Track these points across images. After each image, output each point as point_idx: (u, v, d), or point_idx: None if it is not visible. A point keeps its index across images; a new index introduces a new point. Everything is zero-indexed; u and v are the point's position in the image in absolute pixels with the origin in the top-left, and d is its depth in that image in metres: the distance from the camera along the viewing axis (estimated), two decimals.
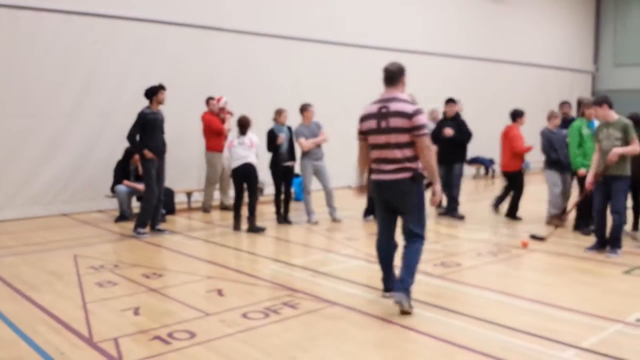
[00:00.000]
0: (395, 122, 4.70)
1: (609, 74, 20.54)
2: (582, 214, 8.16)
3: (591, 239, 7.45)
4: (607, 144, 6.76)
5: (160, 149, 8.10)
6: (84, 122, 10.03)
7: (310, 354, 4.02)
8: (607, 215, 6.94)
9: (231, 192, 9.77)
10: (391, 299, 4.91)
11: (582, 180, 7.82)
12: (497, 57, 17.32)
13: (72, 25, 9.84)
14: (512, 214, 9.33)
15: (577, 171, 7.91)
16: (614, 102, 6.89)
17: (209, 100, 10.25)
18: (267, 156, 8.98)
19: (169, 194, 9.79)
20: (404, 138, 4.70)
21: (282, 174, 8.91)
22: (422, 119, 4.71)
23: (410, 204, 4.82)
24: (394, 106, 4.73)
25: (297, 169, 9.26)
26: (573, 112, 9.78)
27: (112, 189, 9.40)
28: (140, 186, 8.73)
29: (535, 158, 9.87)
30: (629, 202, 7.29)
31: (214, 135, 10.08)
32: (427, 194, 5.23)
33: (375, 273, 5.67)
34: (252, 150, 8.35)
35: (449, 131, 9.15)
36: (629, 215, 7.35)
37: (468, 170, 14.48)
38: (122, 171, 9.37)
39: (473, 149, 11.75)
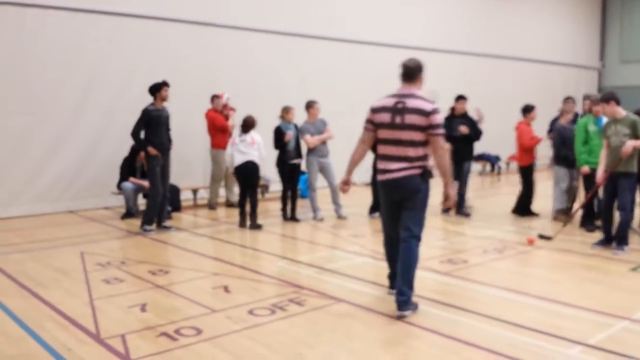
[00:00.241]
0: (412, 119, 4.57)
1: (616, 70, 20.43)
2: (587, 211, 8.14)
3: (596, 236, 7.44)
4: (615, 140, 6.76)
5: (165, 146, 8.11)
6: (89, 119, 10.04)
7: (316, 351, 4.02)
8: (614, 212, 6.94)
9: (236, 189, 9.77)
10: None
11: (586, 177, 7.80)
12: (501, 54, 17.23)
13: (76, 23, 9.84)
14: (519, 210, 9.31)
15: (580, 168, 7.88)
16: (620, 98, 6.88)
17: (213, 97, 10.26)
18: (274, 154, 8.99)
19: (175, 191, 9.81)
20: (418, 136, 4.59)
21: (290, 171, 8.92)
22: (440, 117, 4.60)
23: (416, 200, 4.69)
24: (412, 103, 4.61)
25: (303, 167, 9.26)
26: (578, 108, 9.73)
27: (119, 186, 9.43)
28: (147, 183, 8.75)
29: (539, 154, 9.81)
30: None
31: (218, 132, 10.08)
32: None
33: (381, 270, 5.68)
34: (253, 147, 8.34)
35: (464, 129, 9.11)
36: (638, 212, 7.33)
37: (474, 167, 14.43)
38: (129, 168, 9.39)
39: (479, 146, 11.70)
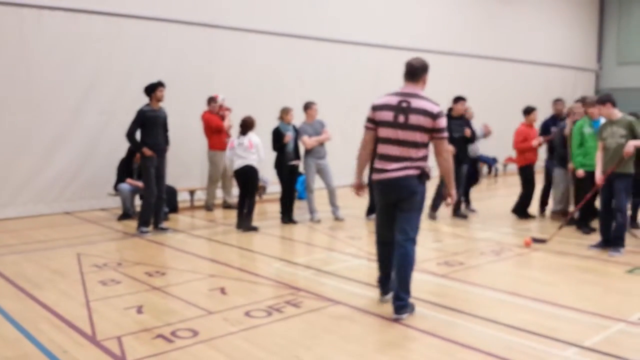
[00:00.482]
0: (417, 119, 4.48)
1: (613, 72, 20.50)
2: (583, 213, 8.15)
3: (592, 238, 7.45)
4: (611, 142, 6.77)
5: (160, 147, 8.09)
6: (87, 120, 10.03)
7: (313, 353, 4.02)
8: (611, 214, 6.94)
9: (234, 191, 9.77)
10: (391, 301, 4.79)
11: (581, 180, 7.78)
12: (498, 56, 17.27)
13: (76, 24, 9.83)
14: (517, 211, 9.32)
15: (575, 171, 7.89)
16: (617, 100, 6.89)
17: (210, 100, 10.25)
18: (272, 155, 8.98)
19: (172, 192, 9.80)
20: (421, 137, 4.51)
21: (289, 173, 8.91)
22: (445, 120, 4.56)
23: (413, 202, 4.63)
24: (416, 103, 4.51)
25: (301, 168, 9.26)
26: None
27: (115, 187, 9.42)
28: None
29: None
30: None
31: (214, 133, 10.08)
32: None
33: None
34: (251, 151, 8.33)
35: (469, 131, 9.13)
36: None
37: None
38: (126, 169, 9.37)
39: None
